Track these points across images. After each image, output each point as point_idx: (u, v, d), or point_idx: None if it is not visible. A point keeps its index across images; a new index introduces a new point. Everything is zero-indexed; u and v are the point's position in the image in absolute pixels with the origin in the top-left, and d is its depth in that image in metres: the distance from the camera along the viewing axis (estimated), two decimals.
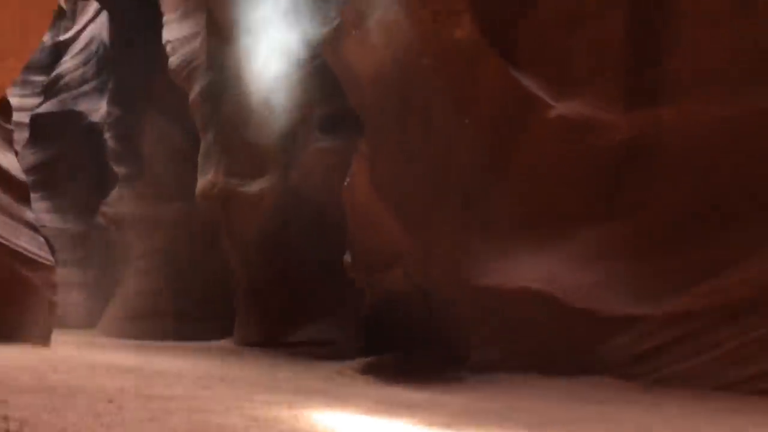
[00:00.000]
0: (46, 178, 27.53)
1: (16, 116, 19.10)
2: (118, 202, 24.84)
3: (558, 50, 12.21)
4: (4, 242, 14.60)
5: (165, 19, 22.17)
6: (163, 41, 21.90)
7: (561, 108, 12.07)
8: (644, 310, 10.89)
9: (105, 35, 27.40)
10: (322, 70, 16.78)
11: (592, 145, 11.85)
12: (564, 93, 12.12)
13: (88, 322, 25.09)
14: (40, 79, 30.45)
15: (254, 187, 19.00)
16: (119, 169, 25.22)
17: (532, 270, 11.96)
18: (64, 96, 28.67)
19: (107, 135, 25.91)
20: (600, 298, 11.34)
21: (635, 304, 11.04)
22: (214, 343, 19.66)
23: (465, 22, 12.71)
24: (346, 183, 15.20)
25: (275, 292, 18.98)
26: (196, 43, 21.14)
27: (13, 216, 15.24)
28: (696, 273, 10.50)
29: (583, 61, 12.05)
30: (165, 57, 21.84)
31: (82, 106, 28.13)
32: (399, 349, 14.46)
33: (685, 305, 10.47)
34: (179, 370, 11.62)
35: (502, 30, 12.46)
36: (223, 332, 20.47)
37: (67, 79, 29.10)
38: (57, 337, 15.65)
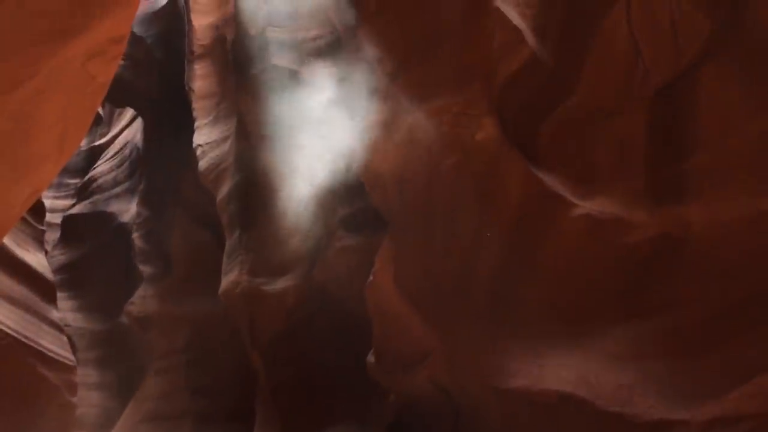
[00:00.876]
0: (73, 277, 27.84)
1: (49, 217, 19.65)
2: (143, 301, 24.93)
3: (579, 149, 12.41)
4: (26, 341, 14.59)
5: (196, 124, 23.05)
6: (194, 145, 22.66)
7: (585, 206, 12.10)
8: (680, 414, 10.37)
9: (139, 140, 28.48)
10: (346, 172, 17.14)
11: (619, 243, 11.76)
12: (587, 191, 12.20)
13: (106, 424, 24.55)
14: (74, 181, 31.48)
15: (278, 285, 19.01)
16: (145, 269, 25.47)
17: (560, 371, 11.58)
18: (96, 198, 29.50)
19: (135, 235, 26.36)
20: (633, 401, 10.86)
21: (670, 408, 10.53)
22: None
23: (486, 125, 13.06)
24: (369, 281, 15.16)
25: (297, 393, 18.55)
26: (226, 147, 21.84)
27: (38, 315, 15.30)
28: (731, 375, 10.07)
29: (606, 159, 12.19)
30: (194, 161, 22.53)
31: (113, 207, 28.84)
32: None
33: (724, 410, 9.97)
34: None
35: (524, 130, 12.75)
36: None
37: (100, 181, 30.04)
38: None
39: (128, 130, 30.41)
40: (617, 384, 11.19)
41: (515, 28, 12.51)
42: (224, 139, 22.21)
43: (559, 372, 11.60)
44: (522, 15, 12.54)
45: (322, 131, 18.25)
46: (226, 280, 20.12)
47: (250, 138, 20.40)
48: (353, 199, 17.57)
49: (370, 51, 15.04)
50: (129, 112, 30.46)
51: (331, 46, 18.51)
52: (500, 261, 13.04)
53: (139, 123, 28.74)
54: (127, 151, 29.68)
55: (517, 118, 12.81)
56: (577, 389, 11.35)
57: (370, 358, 15.71)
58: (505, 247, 12.96)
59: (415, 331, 14.48)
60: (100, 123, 32.18)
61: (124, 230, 27.61)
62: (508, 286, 12.85)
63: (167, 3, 26.03)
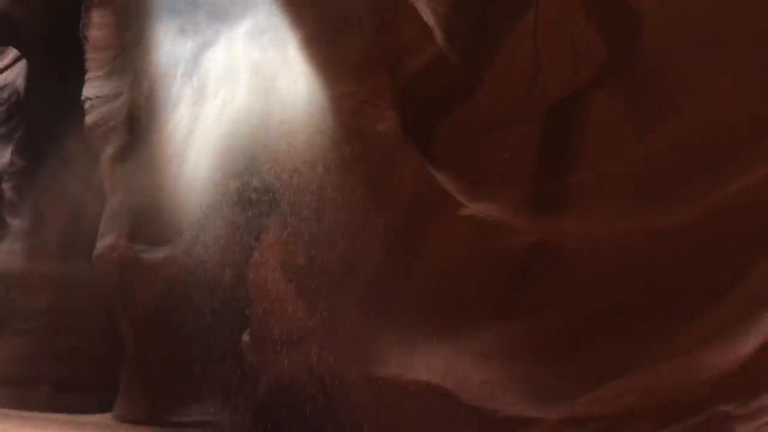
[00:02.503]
0: None
1: None
2: (7, 256, 23.35)
3: (474, 152, 12.76)
4: None
5: (88, 76, 21.76)
6: (83, 97, 21.40)
7: (472, 207, 12.48)
8: (537, 413, 10.99)
9: (21, 84, 26.55)
10: (242, 144, 16.77)
11: (498, 247, 12.24)
12: (476, 193, 12.58)
13: None
14: None
15: (157, 254, 18.34)
16: (13, 222, 23.87)
17: (431, 363, 11.95)
18: None
19: (6, 185, 24.67)
20: (495, 397, 11.40)
21: (529, 406, 11.14)
22: (89, 417, 18.25)
23: (388, 117, 13.17)
24: (253, 259, 14.94)
25: (166, 367, 18.01)
26: (117, 104, 20.77)
27: None
28: (586, 378, 10.78)
29: (497, 165, 12.61)
30: (80, 114, 21.29)
31: None
32: None
33: (573, 412, 10.67)
34: None
35: (423, 127, 12.95)
36: (105, 406, 19.11)
37: None
38: None
39: (9, 71, 28.23)
40: (482, 380, 11.69)
41: (425, 25, 12.67)
42: (117, 96, 21.12)
43: (429, 364, 11.96)
44: (433, 12, 12.71)
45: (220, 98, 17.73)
46: (102, 244, 19.21)
47: (146, 98, 19.49)
48: (245, 174, 17.21)
49: (282, 19, 14.75)
50: (12, 52, 28.27)
51: (242, 7, 17.90)
52: (385, 253, 13.23)
53: (22, 65, 26.78)
54: (5, 94, 27.59)
55: (417, 114, 13.00)
56: (444, 381, 11.76)
57: (246, 337, 15.50)
58: (391, 239, 13.17)
59: (293, 313, 14.43)
60: None
61: None
62: (390, 278, 13.06)
63: None
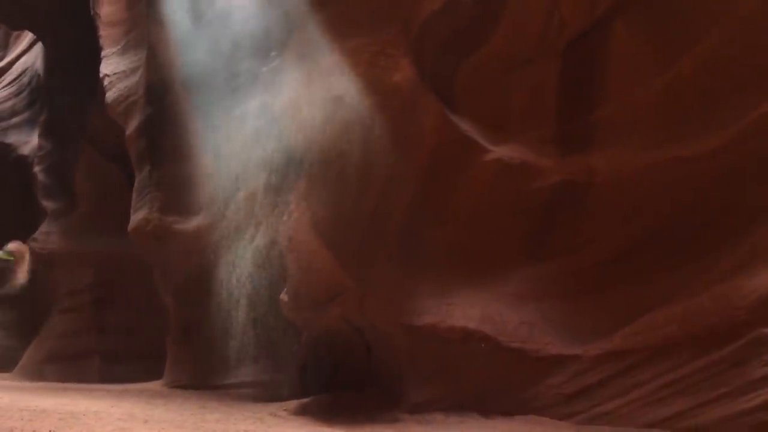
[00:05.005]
0: None
1: None
2: (47, 237, 23.89)
3: (495, 96, 12.61)
4: None
5: (104, 53, 21.80)
6: (101, 75, 21.49)
7: (497, 151, 12.40)
8: (575, 350, 11.10)
9: (39, 66, 26.70)
10: (264, 110, 16.75)
11: (526, 188, 12.20)
12: (500, 137, 12.48)
13: (7, 364, 23.75)
14: None
15: (191, 224, 18.59)
16: (48, 204, 24.34)
17: (467, 310, 12.07)
18: None
19: (37, 169, 25.05)
20: (532, 338, 11.52)
21: (566, 344, 11.24)
22: (141, 385, 18.88)
23: (404, 66, 12.98)
24: (284, 220, 15.07)
25: (208, 333, 18.44)
26: (135, 78, 20.83)
27: None
28: (623, 313, 10.83)
29: (519, 107, 12.47)
30: (101, 91, 21.43)
31: (12, 138, 27.15)
32: (336, 390, 14.21)
33: (612, 346, 10.75)
34: (99, 412, 11.07)
35: (440, 74, 12.79)
36: (154, 375, 19.71)
37: None
38: None
39: (27, 55, 28.39)
40: (519, 322, 11.81)
41: None
42: (134, 70, 21.16)
43: (465, 310, 12.08)
44: None
45: (238, 66, 17.67)
46: (136, 218, 19.49)
47: (162, 70, 19.52)
48: (269, 139, 17.24)
49: None
50: (28, 36, 28.39)
51: None
52: (413, 203, 13.23)
53: (39, 48, 26.90)
54: (26, 79, 27.82)
55: (434, 60, 12.82)
56: (481, 326, 11.89)
57: (284, 296, 15.75)
58: (419, 189, 13.15)
59: (328, 270, 14.57)
60: None
61: (23, 163, 26.17)
62: (419, 228, 13.09)
63: None
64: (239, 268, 17.88)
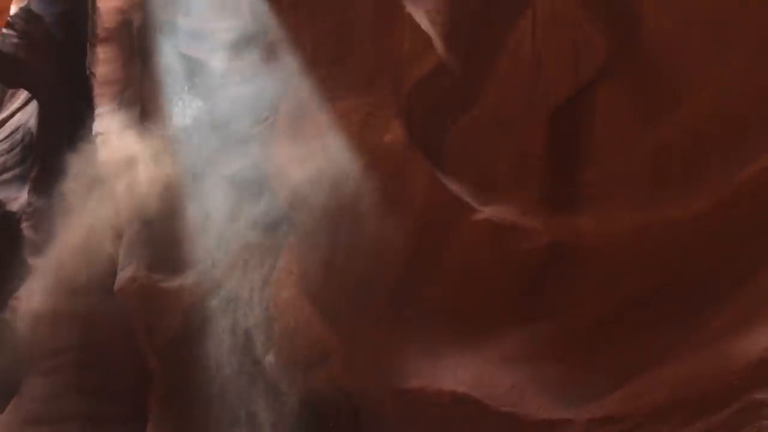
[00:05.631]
0: None
1: None
2: (31, 295, 23.53)
3: (482, 156, 12.77)
4: None
5: (97, 111, 22.06)
6: (94, 132, 21.68)
7: (486, 212, 12.48)
8: (566, 414, 10.88)
9: (33, 124, 26.92)
10: (254, 170, 16.89)
11: (516, 249, 12.21)
12: (489, 197, 12.59)
13: None
14: None
15: (178, 283, 18.44)
16: (34, 261, 24.08)
17: (456, 372, 11.90)
18: None
19: (25, 225, 24.92)
20: (523, 401, 11.31)
21: (558, 408, 11.03)
22: None
23: (395, 127, 13.22)
24: (272, 279, 15.00)
25: (192, 397, 18.04)
26: (128, 136, 21.01)
27: None
28: (614, 376, 10.67)
29: (507, 168, 12.61)
30: (92, 150, 21.55)
31: (1, 194, 27.09)
32: None
33: (604, 411, 10.56)
34: None
35: (430, 135, 13.00)
36: None
37: None
38: None
39: (21, 112, 28.64)
40: (510, 385, 11.61)
41: (425, 35, 12.75)
42: (126, 128, 21.37)
43: (454, 372, 11.91)
44: (432, 22, 12.79)
45: (230, 126, 17.90)
46: (123, 276, 19.34)
47: (155, 129, 19.73)
48: (260, 197, 17.30)
49: (281, 46, 14.91)
50: (23, 94, 28.71)
51: (243, 39, 18.18)
52: (403, 263, 13.23)
53: (33, 106, 27.17)
54: (18, 136, 27.97)
55: (424, 122, 13.05)
56: (471, 390, 11.69)
57: (270, 358, 15.53)
58: (409, 249, 13.18)
59: (316, 331, 14.44)
60: None
61: (11, 219, 26.01)
62: (410, 288, 13.06)
63: None
64: (226, 329, 17.65)
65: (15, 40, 24.51)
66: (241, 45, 17.98)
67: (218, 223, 18.00)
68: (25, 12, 24.73)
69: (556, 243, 11.99)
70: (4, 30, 24.30)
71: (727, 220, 10.66)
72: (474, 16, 13.00)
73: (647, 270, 11.26)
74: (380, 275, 13.52)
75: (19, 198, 26.26)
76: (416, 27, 12.88)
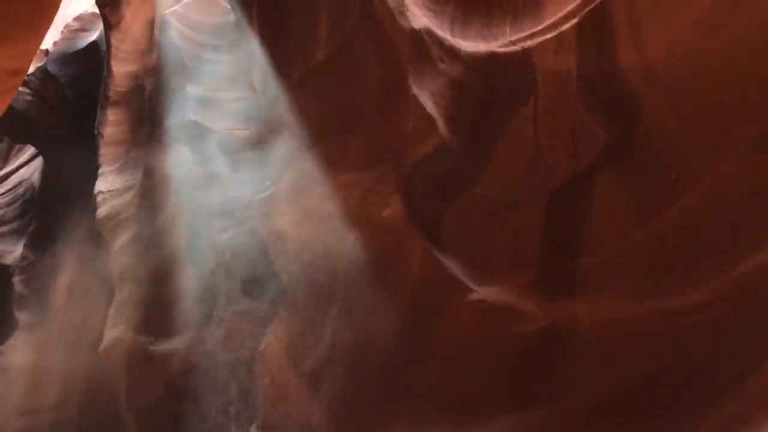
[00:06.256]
0: None
1: None
2: (14, 350, 23.09)
3: (480, 236, 12.79)
4: None
5: (101, 170, 22.31)
6: (95, 191, 21.84)
7: (481, 292, 12.39)
8: None
9: (36, 179, 27.18)
10: (251, 236, 16.92)
11: (510, 331, 12.06)
12: (485, 278, 12.52)
13: None
14: None
15: (164, 347, 18.15)
16: (21, 316, 23.77)
17: None
18: None
19: (16, 279, 24.73)
20: None
21: None
22: None
23: (394, 203, 13.33)
24: (260, 349, 14.76)
25: None
26: (128, 197, 21.17)
27: None
28: None
29: (504, 250, 12.60)
30: (92, 208, 21.66)
31: None
32: None
33: None
34: None
35: (429, 213, 13.07)
36: None
37: None
38: None
39: (26, 168, 28.98)
40: None
41: (428, 116, 13.02)
42: (128, 189, 21.55)
43: None
44: (436, 104, 13.09)
45: (231, 192, 18.05)
46: (110, 336, 19.05)
47: (156, 191, 19.88)
48: (255, 264, 17.26)
49: (288, 119, 15.22)
50: (29, 150, 29.13)
51: (250, 110, 18.61)
52: (395, 340, 13.04)
53: (38, 162, 27.50)
54: (20, 190, 28.19)
55: (423, 200, 13.16)
56: None
57: (253, 429, 15.10)
58: (401, 326, 13.02)
59: (302, 404, 14.09)
60: None
61: (3, 272, 25.85)
62: (400, 366, 12.82)
63: (87, 46, 25.64)
64: (210, 396, 17.22)
65: (28, 98, 25.16)
66: (249, 114, 18.39)
67: (210, 288, 17.87)
68: (41, 71, 25.48)
69: (550, 327, 11.85)
70: (21, 89, 24.91)
71: (722, 314, 10.56)
72: (477, 100, 13.33)
73: (641, 360, 11.08)
74: (370, 351, 13.31)
75: (14, 252, 26.19)
76: (421, 108, 13.16)
